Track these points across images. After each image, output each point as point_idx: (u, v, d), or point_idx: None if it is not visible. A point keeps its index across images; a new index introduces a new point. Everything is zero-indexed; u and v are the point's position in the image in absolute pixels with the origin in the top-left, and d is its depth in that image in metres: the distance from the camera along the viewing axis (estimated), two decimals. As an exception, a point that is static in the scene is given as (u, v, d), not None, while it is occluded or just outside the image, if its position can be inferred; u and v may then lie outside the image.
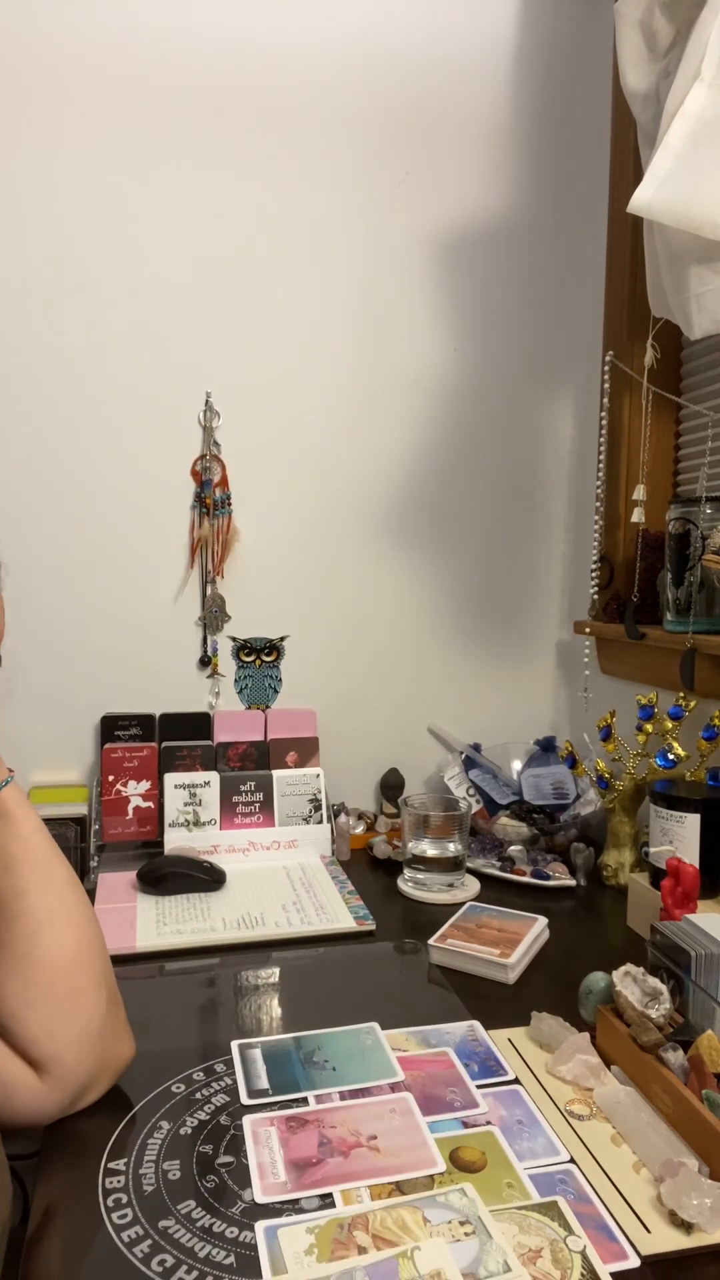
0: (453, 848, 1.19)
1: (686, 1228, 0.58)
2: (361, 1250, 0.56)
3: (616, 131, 1.38)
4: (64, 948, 0.69)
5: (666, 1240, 0.58)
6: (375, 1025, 0.82)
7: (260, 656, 1.42)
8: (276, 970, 0.96)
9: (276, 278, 1.37)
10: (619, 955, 0.88)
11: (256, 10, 1.31)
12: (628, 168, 1.33)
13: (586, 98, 1.44)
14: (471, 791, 1.37)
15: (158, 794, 1.29)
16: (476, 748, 1.46)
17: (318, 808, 1.32)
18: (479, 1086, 0.74)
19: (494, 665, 1.52)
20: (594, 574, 1.39)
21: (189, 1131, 0.68)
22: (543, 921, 1.03)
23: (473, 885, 1.17)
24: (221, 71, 1.31)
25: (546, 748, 1.45)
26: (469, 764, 1.42)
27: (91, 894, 1.13)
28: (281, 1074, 0.75)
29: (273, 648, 1.43)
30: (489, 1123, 0.69)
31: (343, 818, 1.32)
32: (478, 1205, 0.60)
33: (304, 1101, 0.71)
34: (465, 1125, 0.69)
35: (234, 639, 1.41)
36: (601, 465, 1.38)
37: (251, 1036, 0.81)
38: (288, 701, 1.44)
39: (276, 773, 1.32)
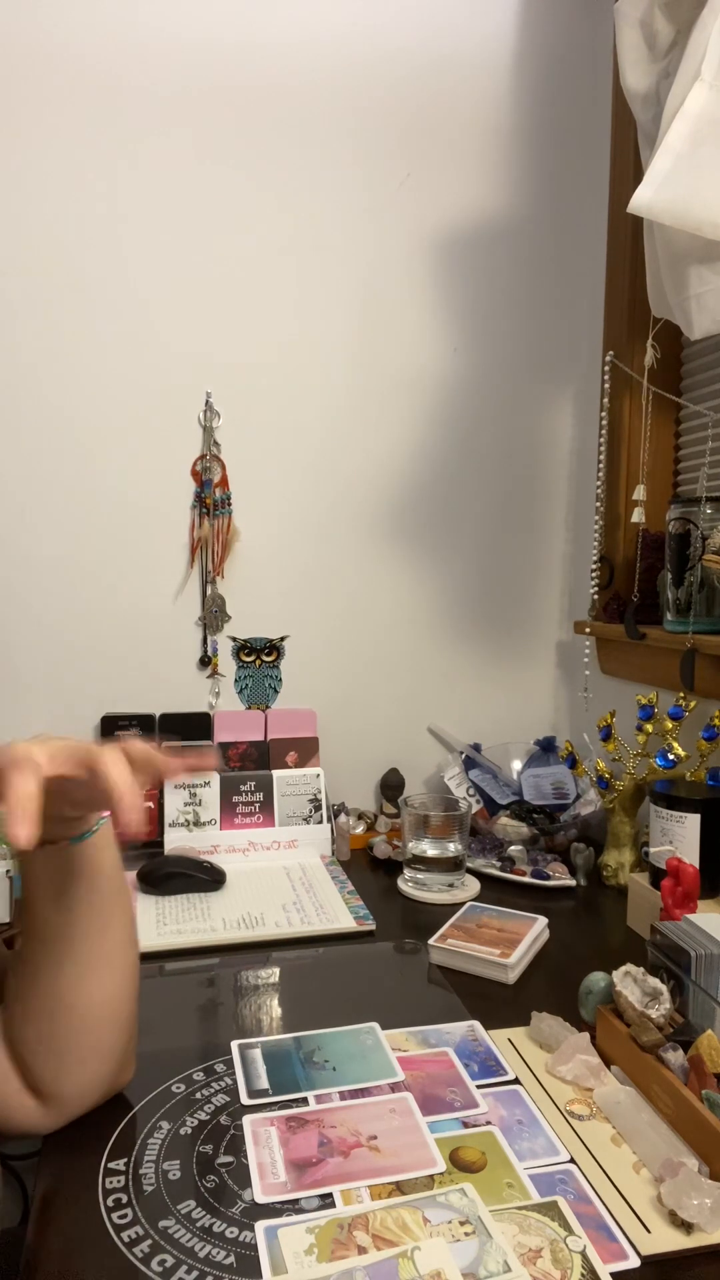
0: (453, 848, 1.19)
1: (686, 1228, 0.58)
2: (361, 1250, 0.56)
3: (616, 131, 1.38)
4: (102, 1001, 0.65)
5: (666, 1240, 0.58)
6: (375, 1025, 0.82)
7: (260, 656, 1.42)
8: (276, 970, 0.95)
9: (277, 278, 1.37)
10: (619, 955, 0.88)
11: (255, 10, 1.31)
12: (628, 168, 1.33)
13: (586, 98, 1.44)
14: (471, 791, 1.37)
15: (158, 794, 1.29)
16: (476, 748, 1.46)
17: (318, 808, 1.32)
18: (479, 1086, 0.74)
19: (494, 665, 1.52)
20: (594, 574, 1.39)
21: (189, 1131, 0.68)
22: (543, 921, 1.03)
23: (473, 885, 1.17)
24: (221, 72, 1.31)
25: (546, 748, 1.45)
26: (469, 764, 1.42)
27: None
28: (281, 1074, 0.75)
29: (273, 648, 1.43)
30: (489, 1123, 0.69)
31: (343, 818, 1.32)
32: (478, 1205, 0.60)
33: (304, 1101, 0.71)
34: (465, 1125, 0.69)
35: (234, 639, 1.41)
36: (601, 465, 1.38)
37: (251, 1036, 0.81)
38: (288, 701, 1.44)
39: (276, 773, 1.32)
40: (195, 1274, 0.55)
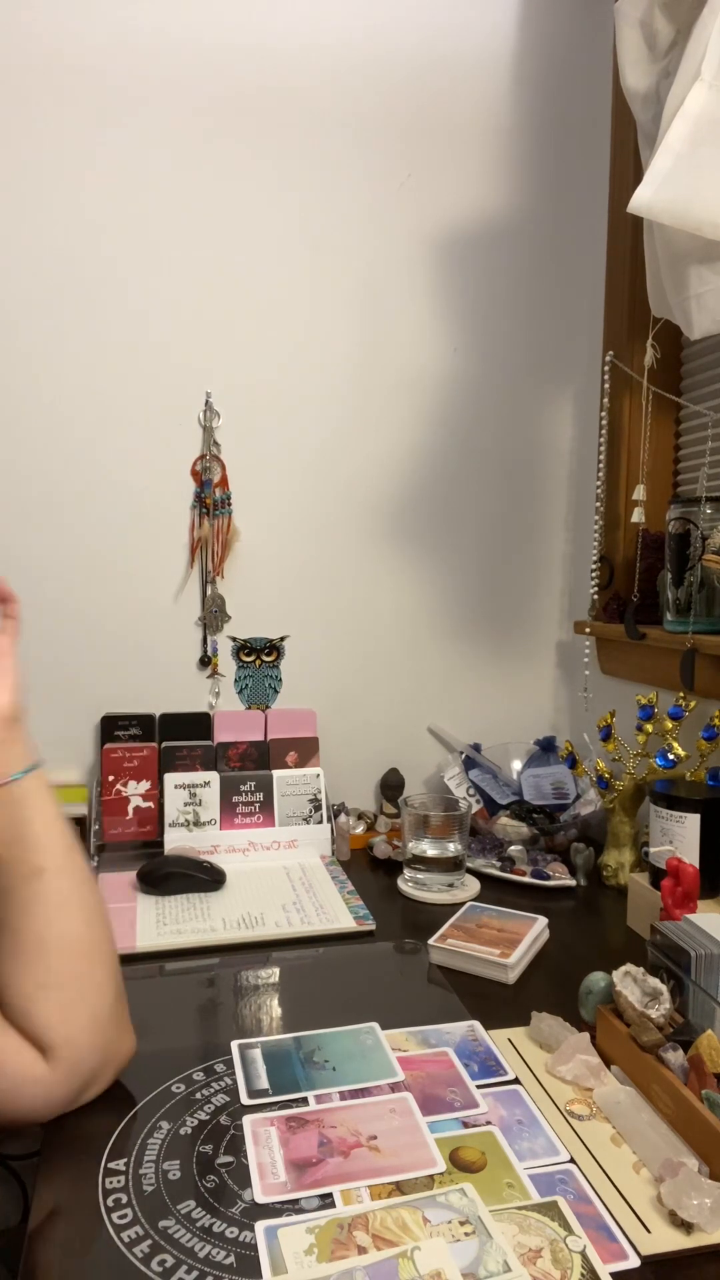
0: (453, 848, 1.19)
1: (686, 1228, 0.58)
2: (361, 1250, 0.56)
3: (616, 131, 1.38)
4: (78, 936, 0.69)
5: (666, 1240, 0.58)
6: (375, 1025, 0.82)
7: (260, 656, 1.42)
8: (276, 970, 0.95)
9: (278, 278, 1.37)
10: (619, 955, 0.88)
11: (255, 13, 1.31)
12: (628, 168, 1.33)
13: (586, 98, 1.44)
14: (471, 791, 1.37)
15: (158, 794, 1.29)
16: (476, 748, 1.46)
17: (318, 808, 1.32)
18: (479, 1086, 0.74)
19: (494, 665, 1.52)
20: (594, 574, 1.39)
21: (189, 1131, 0.68)
22: (543, 921, 1.03)
23: (473, 885, 1.17)
24: (222, 75, 1.31)
25: (546, 748, 1.45)
26: (469, 764, 1.42)
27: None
28: (281, 1074, 0.75)
29: (273, 648, 1.43)
30: (489, 1123, 0.69)
31: (343, 818, 1.32)
32: (478, 1205, 0.60)
33: (304, 1101, 0.71)
34: (465, 1125, 0.69)
35: (234, 639, 1.41)
36: (601, 465, 1.38)
37: (251, 1036, 0.81)
38: (288, 701, 1.44)
39: (276, 773, 1.32)
40: (195, 1274, 0.55)
